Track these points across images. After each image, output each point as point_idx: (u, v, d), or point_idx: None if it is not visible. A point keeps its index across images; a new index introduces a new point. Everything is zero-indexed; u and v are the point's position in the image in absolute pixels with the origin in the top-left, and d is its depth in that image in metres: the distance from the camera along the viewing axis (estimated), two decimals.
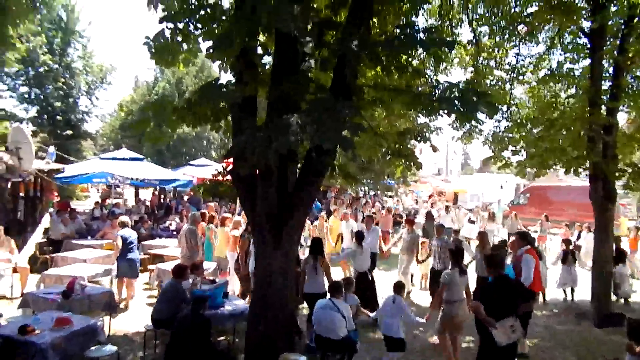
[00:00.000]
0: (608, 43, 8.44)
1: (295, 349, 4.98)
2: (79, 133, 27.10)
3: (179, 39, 4.88)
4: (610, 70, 8.41)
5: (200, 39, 4.98)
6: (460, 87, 3.95)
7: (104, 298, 6.09)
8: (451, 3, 8.69)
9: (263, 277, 4.83)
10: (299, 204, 4.79)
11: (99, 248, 9.39)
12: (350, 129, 3.73)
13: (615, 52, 8.10)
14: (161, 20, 4.56)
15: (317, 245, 6.13)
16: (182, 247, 7.88)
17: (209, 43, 4.24)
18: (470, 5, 8.96)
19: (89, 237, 10.56)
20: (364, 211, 15.84)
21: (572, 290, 9.30)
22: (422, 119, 9.91)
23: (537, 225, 14.60)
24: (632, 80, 9.44)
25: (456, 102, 3.81)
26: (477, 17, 9.30)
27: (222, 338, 5.43)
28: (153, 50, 5.18)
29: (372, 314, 5.61)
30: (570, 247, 9.98)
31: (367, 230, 9.02)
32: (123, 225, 7.84)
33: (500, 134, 9.89)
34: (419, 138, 5.41)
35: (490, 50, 9.66)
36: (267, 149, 3.52)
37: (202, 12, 4.29)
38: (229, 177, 5.24)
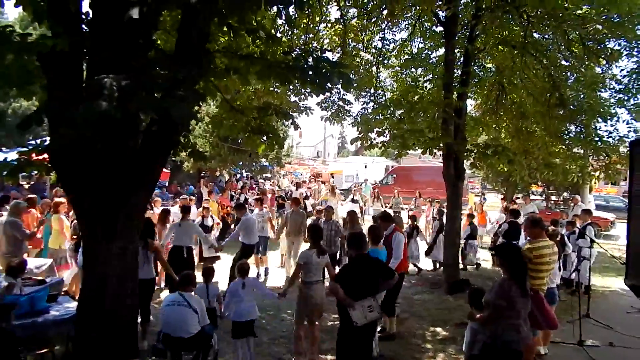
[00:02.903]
0: (460, 32, 9.13)
1: (138, 354, 4.30)
2: None
3: None
4: (462, 58, 9.09)
5: None
6: (315, 56, 3.63)
7: None
8: None
9: (94, 276, 4.01)
10: (137, 187, 4.06)
11: None
12: (188, 98, 3.16)
13: (465, 42, 8.75)
14: None
15: (147, 228, 5.44)
16: (1, 244, 6.45)
17: None
18: None
19: None
20: (243, 194, 15.31)
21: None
22: (293, 98, 9.76)
23: (411, 203, 15.79)
24: (478, 69, 10.44)
25: (310, 72, 3.48)
26: None
27: (45, 350, 4.47)
28: None
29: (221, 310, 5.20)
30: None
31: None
32: None
33: (368, 115, 10.17)
34: (280, 114, 5.00)
35: (358, 31, 9.77)
36: (77, 116, 2.79)
37: None
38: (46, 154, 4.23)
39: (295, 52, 3.86)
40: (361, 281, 4.05)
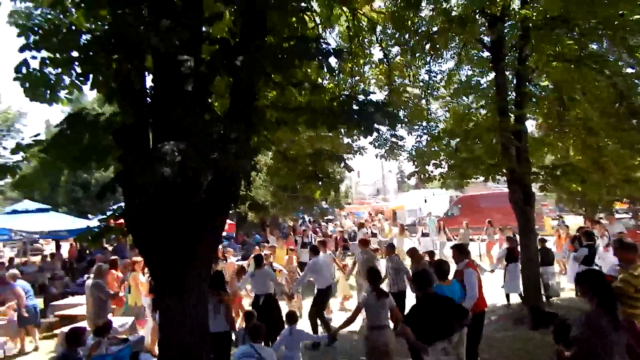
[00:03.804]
0: (509, 54, 8.92)
1: None
2: None
3: (52, 70, 4.32)
4: (514, 80, 8.83)
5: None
6: (359, 100, 3.73)
7: None
8: (360, 24, 8.77)
9: (168, 331, 4.20)
10: (202, 243, 4.27)
11: None
12: (242, 154, 3.34)
13: (516, 63, 8.53)
14: (21, 49, 3.99)
15: (217, 279, 5.64)
16: (88, 305, 6.97)
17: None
18: (379, 27, 9.14)
19: None
20: (304, 237, 15.54)
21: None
22: (346, 140, 9.92)
23: (484, 232, 15.10)
24: (534, 88, 10.04)
25: (355, 116, 3.57)
26: (387, 37, 9.50)
27: None
28: (26, 85, 4.55)
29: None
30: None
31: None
32: (15, 277, 8.20)
33: (422, 148, 10.04)
34: (332, 158, 5.11)
35: (403, 68, 9.87)
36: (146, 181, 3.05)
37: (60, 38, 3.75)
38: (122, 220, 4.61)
39: (342, 98, 3.96)
40: (432, 322, 3.86)
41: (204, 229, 4.32)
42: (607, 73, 8.21)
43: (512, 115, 8.28)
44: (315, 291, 7.80)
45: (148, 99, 4.40)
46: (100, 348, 5.08)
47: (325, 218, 26.49)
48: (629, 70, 8.68)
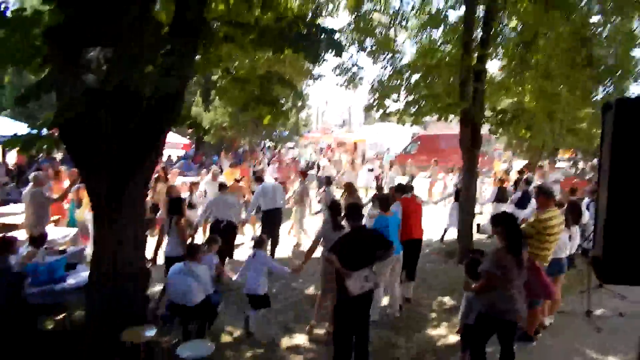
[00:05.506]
0: None
1: (147, 320, 4.50)
2: None
3: None
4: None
5: None
6: (307, 23, 3.54)
7: None
8: None
9: (103, 246, 4.21)
10: (139, 162, 4.15)
11: None
12: (177, 69, 3.16)
13: None
14: None
15: (174, 204, 5.61)
16: (26, 214, 6.81)
17: None
18: None
19: None
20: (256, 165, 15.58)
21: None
22: (307, 65, 9.61)
23: (429, 171, 15.65)
24: (503, 27, 9.86)
25: (301, 39, 3.41)
26: None
27: (62, 315, 4.76)
28: None
29: (234, 276, 5.35)
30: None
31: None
32: None
33: (384, 81, 9.87)
34: (283, 83, 4.92)
35: None
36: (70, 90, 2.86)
37: None
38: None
39: (291, 18, 3.72)
40: (358, 252, 4.06)
41: (144, 148, 4.18)
42: (573, 18, 8.14)
43: (475, 54, 8.19)
44: (261, 214, 8.00)
45: None
46: (36, 258, 5.04)
47: (287, 145, 26.40)
48: (594, 18, 8.67)
